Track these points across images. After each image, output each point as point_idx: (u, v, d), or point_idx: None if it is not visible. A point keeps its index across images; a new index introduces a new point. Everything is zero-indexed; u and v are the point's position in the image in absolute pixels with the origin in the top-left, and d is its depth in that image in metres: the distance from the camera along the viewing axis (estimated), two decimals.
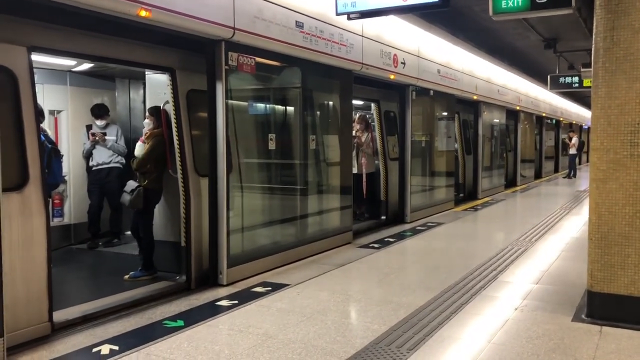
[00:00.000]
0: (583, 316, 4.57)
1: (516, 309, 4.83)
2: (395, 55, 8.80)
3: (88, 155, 7.35)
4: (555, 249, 7.40)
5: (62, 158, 5.93)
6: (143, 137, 5.94)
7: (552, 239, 8.12)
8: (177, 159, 5.59)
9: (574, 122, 28.24)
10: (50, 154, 5.23)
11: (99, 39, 4.88)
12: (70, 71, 7.27)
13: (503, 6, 5.82)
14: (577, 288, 5.31)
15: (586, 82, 14.66)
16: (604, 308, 4.48)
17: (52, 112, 7.25)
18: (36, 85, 4.28)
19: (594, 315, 4.52)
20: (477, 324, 4.51)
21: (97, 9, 4.23)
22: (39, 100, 5.03)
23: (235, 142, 5.96)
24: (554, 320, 4.51)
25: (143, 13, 4.48)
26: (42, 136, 4.39)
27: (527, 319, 4.58)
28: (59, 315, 4.43)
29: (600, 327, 4.36)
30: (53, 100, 7.23)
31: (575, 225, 9.46)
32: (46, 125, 6.52)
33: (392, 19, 8.37)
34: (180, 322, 4.50)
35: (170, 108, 5.65)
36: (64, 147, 7.21)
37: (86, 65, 6.98)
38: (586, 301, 4.65)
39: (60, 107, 7.35)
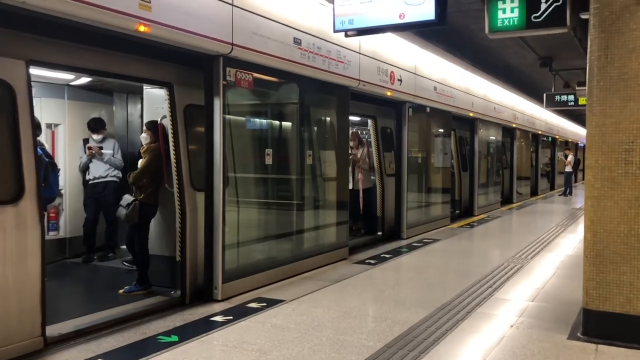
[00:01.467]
0: (579, 334, 4.56)
1: (512, 326, 4.82)
2: (392, 72, 8.86)
3: (84, 169, 7.34)
4: (551, 267, 7.40)
5: (59, 172, 5.92)
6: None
7: (547, 257, 8.12)
8: (174, 173, 5.59)
9: (569, 139, 28.39)
10: (47, 167, 5.23)
11: (98, 53, 4.90)
12: (68, 85, 7.30)
13: (499, 25, 5.89)
14: (573, 306, 5.30)
15: (581, 101, 14.75)
16: (600, 326, 4.48)
17: (49, 126, 7.26)
18: (34, 98, 4.30)
19: (589, 334, 4.51)
20: (472, 341, 4.50)
21: (97, 23, 4.26)
22: (37, 114, 5.02)
23: (232, 157, 5.97)
24: (549, 338, 4.50)
25: (142, 28, 4.51)
26: (39, 150, 4.39)
27: (522, 336, 4.56)
28: (52, 330, 4.40)
29: (596, 345, 4.35)
30: (50, 114, 7.24)
31: (570, 243, 9.46)
32: (43, 138, 6.53)
33: (389, 36, 8.44)
34: (175, 338, 4.47)
35: (167, 122, 5.66)
36: (60, 161, 7.20)
37: (84, 79, 7.00)
38: (582, 319, 4.64)
39: (58, 121, 7.35)
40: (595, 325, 4.50)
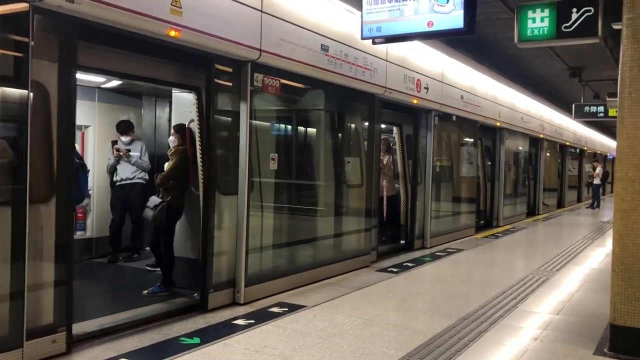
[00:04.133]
0: (605, 350, 4.47)
1: (536, 339, 4.75)
2: (418, 80, 8.83)
3: (112, 171, 7.46)
4: (577, 280, 7.27)
5: (88, 173, 6.03)
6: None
7: (573, 270, 7.98)
8: (200, 176, 5.64)
9: (598, 151, 27.92)
10: (78, 168, 5.32)
11: (129, 57, 4.99)
12: (99, 88, 7.43)
13: (528, 34, 5.85)
14: (600, 320, 5.20)
15: (612, 112, 14.54)
16: (628, 342, 4.38)
17: (79, 128, 7.39)
18: None
19: (617, 350, 4.41)
20: (495, 353, 4.44)
21: (130, 28, 4.35)
22: None
23: (257, 162, 6.00)
24: (574, 353, 4.42)
25: (173, 33, 4.59)
26: None
27: (547, 350, 4.49)
28: (78, 328, 4.46)
29: None
30: (81, 116, 7.36)
31: (597, 256, 9.29)
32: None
33: (416, 44, 8.43)
34: (197, 340, 4.51)
35: (195, 126, 5.73)
36: (89, 162, 7.33)
37: (114, 82, 7.12)
38: (609, 335, 4.54)
39: (88, 123, 7.50)
40: (623, 341, 4.40)
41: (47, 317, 4.09)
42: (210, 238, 5.53)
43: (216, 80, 5.46)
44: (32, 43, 3.78)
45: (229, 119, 5.68)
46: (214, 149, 5.63)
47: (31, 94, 3.82)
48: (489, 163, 13.78)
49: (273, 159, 6.10)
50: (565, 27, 5.65)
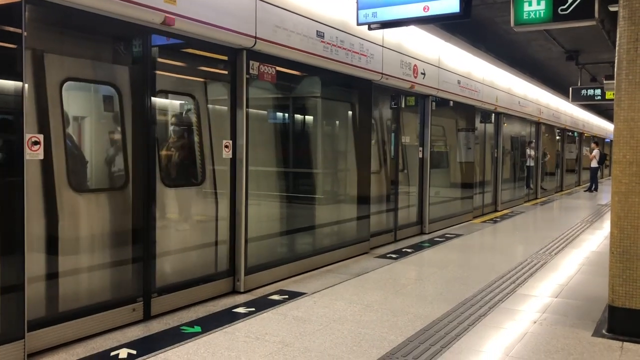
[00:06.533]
0: (604, 331, 4.50)
1: (535, 322, 4.78)
2: (415, 65, 8.80)
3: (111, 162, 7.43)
4: (576, 263, 7.30)
5: (87, 165, 6.01)
6: None
7: (572, 253, 8.02)
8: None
9: (595, 134, 27.93)
10: None
11: None
12: None
13: (525, 17, 5.83)
14: (598, 303, 5.24)
15: (609, 95, 14.53)
16: (626, 323, 4.41)
17: (76, 119, 7.35)
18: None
19: (615, 331, 4.45)
20: (495, 336, 4.47)
21: (125, 17, 4.33)
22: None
23: (253, 150, 5.99)
24: (573, 335, 4.45)
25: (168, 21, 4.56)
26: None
27: (546, 332, 4.52)
28: None
29: (622, 343, 4.29)
30: (78, 107, 7.32)
31: (595, 239, 9.33)
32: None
33: (412, 29, 8.39)
34: (198, 328, 4.53)
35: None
36: (87, 154, 7.29)
37: None
38: (607, 316, 4.58)
39: (85, 114, 7.44)
40: (621, 322, 4.43)
41: (128, 289, 4.66)
42: (151, 237, 4.83)
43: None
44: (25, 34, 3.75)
45: (225, 107, 5.66)
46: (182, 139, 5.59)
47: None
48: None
49: (226, 146, 5.75)
50: (562, 10, 5.63)
